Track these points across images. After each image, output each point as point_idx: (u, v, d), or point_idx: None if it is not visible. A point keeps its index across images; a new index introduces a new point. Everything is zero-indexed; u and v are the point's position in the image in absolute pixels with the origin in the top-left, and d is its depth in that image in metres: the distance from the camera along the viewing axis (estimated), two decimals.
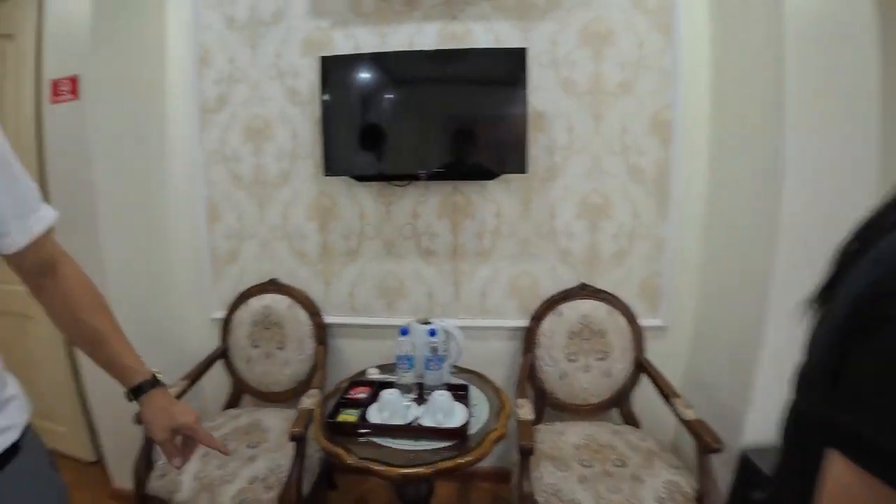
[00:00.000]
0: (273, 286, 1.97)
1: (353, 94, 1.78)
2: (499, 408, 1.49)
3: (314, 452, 1.62)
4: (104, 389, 1.78)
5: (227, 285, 2.05)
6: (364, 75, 1.76)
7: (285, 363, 1.91)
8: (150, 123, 1.94)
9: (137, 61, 1.87)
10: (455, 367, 1.71)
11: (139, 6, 1.86)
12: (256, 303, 1.95)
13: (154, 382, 0.83)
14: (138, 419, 0.91)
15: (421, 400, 1.49)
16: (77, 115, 1.68)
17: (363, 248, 1.95)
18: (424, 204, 1.91)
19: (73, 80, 1.67)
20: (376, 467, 1.22)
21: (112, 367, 0.82)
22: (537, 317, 1.86)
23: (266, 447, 1.60)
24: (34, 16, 1.87)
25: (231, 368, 1.97)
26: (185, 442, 0.87)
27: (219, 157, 1.99)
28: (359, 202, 1.93)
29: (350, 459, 1.25)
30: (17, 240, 0.71)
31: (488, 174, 1.82)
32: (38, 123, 1.87)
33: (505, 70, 1.72)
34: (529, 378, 1.79)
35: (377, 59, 1.76)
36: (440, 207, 1.91)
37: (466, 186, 1.89)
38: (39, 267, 0.76)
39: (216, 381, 1.99)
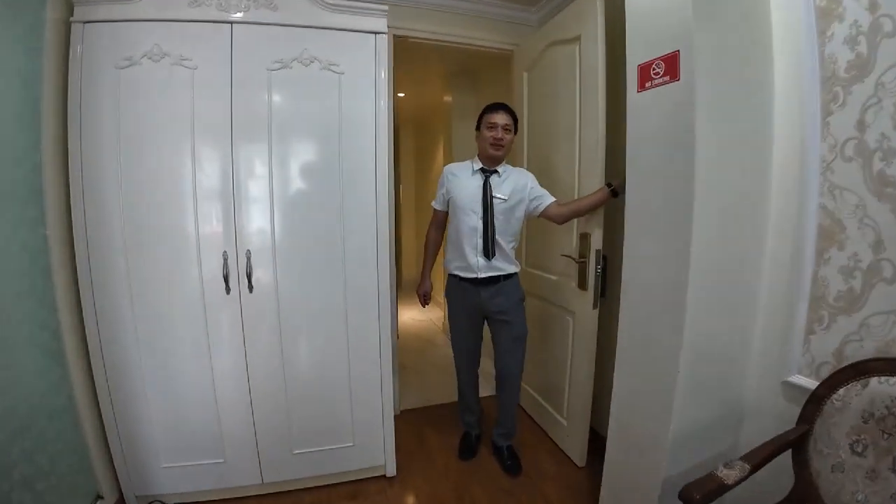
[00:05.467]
0: None
1: None
2: None
3: None
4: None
5: (828, 341, 1.39)
6: None
7: None
8: (751, 103, 1.47)
9: (738, 29, 1.43)
10: None
11: None
12: (881, 387, 1.23)
13: None
14: None
15: None
16: (675, 96, 1.38)
17: None
18: None
19: (671, 59, 1.38)
20: None
21: None
22: None
23: None
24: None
25: (803, 466, 1.34)
26: None
27: (852, 148, 1.31)
28: None
29: None
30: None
31: None
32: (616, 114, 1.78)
33: None
34: None
35: None
36: None
37: None
38: None
39: (769, 469, 1.36)
